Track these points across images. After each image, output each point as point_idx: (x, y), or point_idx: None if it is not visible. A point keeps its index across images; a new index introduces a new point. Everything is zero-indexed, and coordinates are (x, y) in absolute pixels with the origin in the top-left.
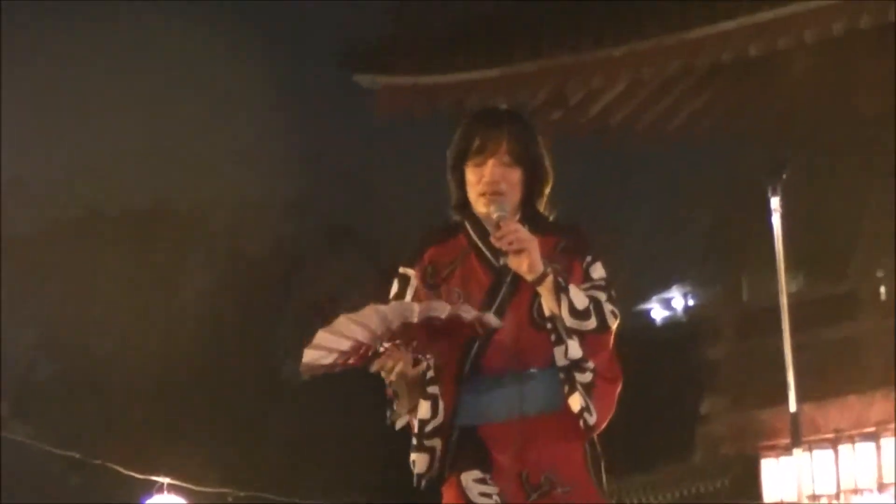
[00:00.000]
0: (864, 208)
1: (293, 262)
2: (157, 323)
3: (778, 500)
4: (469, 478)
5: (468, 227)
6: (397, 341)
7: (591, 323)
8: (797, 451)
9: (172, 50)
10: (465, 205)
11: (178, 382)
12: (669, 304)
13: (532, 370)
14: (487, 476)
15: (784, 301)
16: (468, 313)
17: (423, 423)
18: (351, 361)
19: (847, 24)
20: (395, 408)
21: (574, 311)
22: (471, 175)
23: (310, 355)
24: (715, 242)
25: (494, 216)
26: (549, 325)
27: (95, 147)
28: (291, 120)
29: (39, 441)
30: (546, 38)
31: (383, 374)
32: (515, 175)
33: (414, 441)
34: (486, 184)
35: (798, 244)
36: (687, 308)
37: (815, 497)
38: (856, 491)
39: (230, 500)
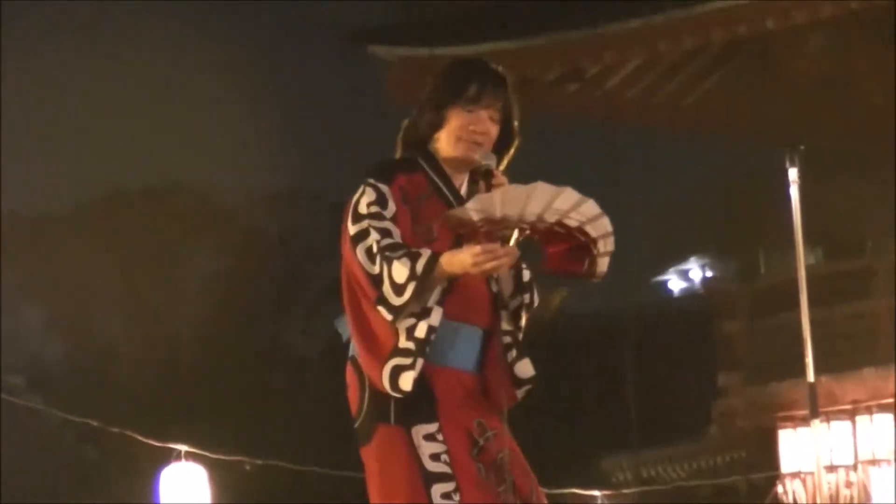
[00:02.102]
0: (881, 184)
1: (308, 243)
2: (175, 298)
3: (795, 470)
4: (419, 434)
5: (424, 166)
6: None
7: (527, 298)
8: (815, 422)
9: (190, 35)
10: (422, 144)
11: (197, 357)
12: (687, 276)
13: (477, 326)
14: (436, 427)
15: (802, 273)
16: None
17: (431, 329)
18: (483, 230)
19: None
20: (398, 304)
21: (519, 282)
22: (457, 117)
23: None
24: (733, 215)
25: (483, 162)
26: (494, 289)
27: (111, 130)
28: (307, 105)
29: (58, 410)
30: (560, 11)
31: (475, 257)
32: (495, 132)
33: (414, 346)
34: (474, 131)
35: (815, 218)
36: (704, 280)
37: (832, 468)
38: (873, 462)
39: (247, 468)
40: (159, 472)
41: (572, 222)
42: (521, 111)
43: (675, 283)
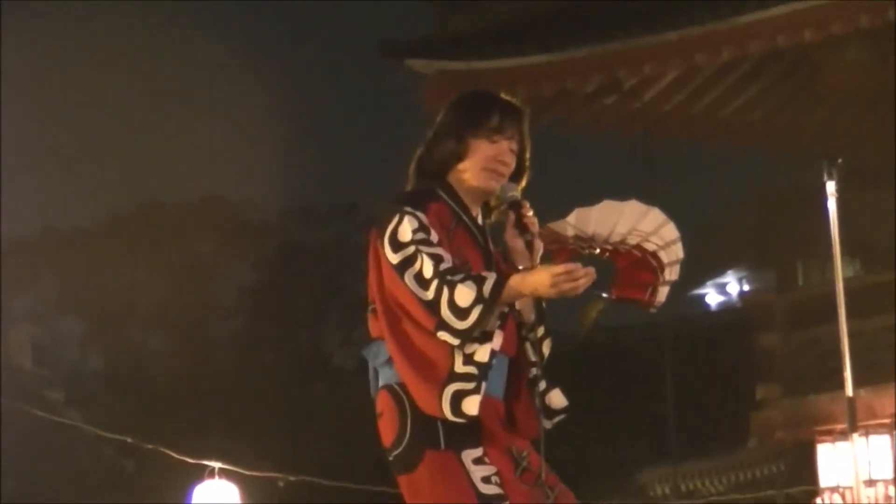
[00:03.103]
0: None
1: (345, 255)
2: (211, 312)
3: (834, 484)
4: (469, 458)
5: (444, 196)
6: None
7: (542, 329)
8: (854, 436)
9: (227, 51)
10: (440, 174)
11: (233, 369)
12: (725, 289)
13: (506, 354)
14: (482, 451)
15: (840, 285)
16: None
17: (493, 354)
18: (571, 247)
19: None
20: (462, 328)
21: (540, 312)
22: (481, 148)
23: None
24: (771, 227)
25: (509, 193)
26: (517, 318)
27: (147, 143)
28: (343, 118)
29: (94, 426)
30: (598, 23)
31: (554, 277)
32: (514, 164)
33: (477, 370)
34: (500, 162)
35: (853, 230)
36: (742, 292)
37: (871, 482)
38: None
39: (281, 484)
40: (192, 489)
41: (651, 246)
42: (557, 124)
43: (713, 296)
